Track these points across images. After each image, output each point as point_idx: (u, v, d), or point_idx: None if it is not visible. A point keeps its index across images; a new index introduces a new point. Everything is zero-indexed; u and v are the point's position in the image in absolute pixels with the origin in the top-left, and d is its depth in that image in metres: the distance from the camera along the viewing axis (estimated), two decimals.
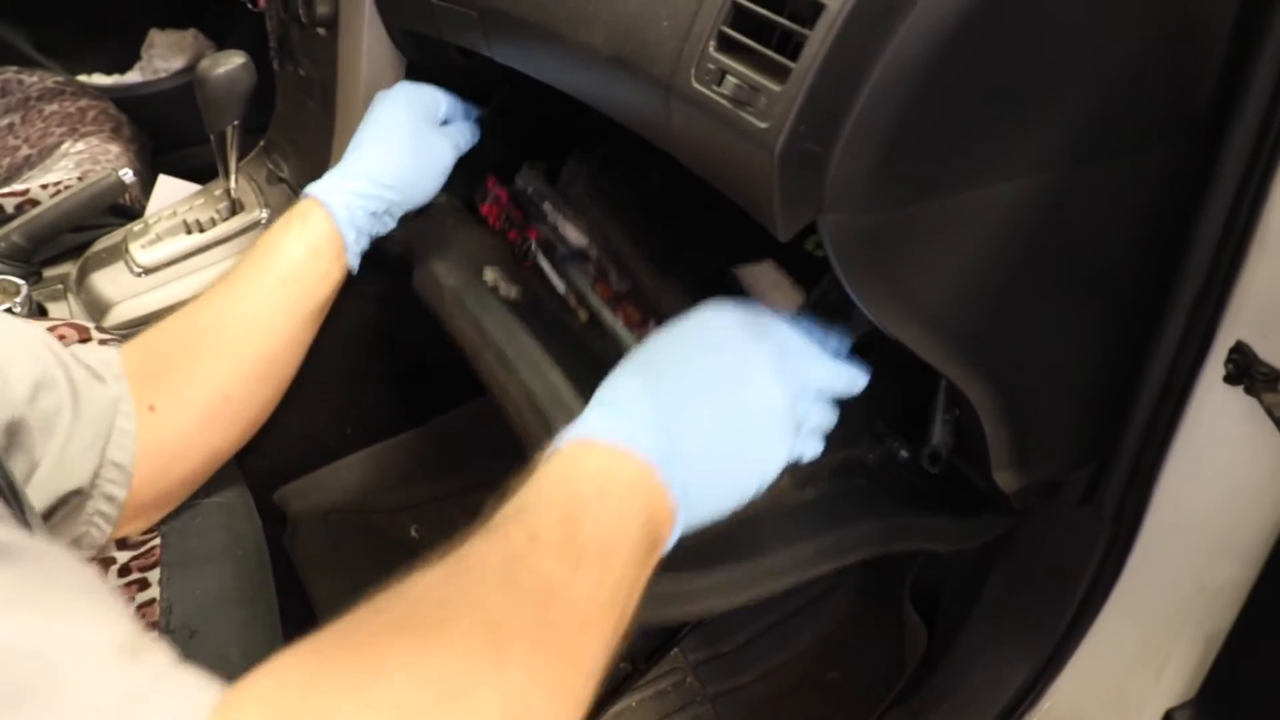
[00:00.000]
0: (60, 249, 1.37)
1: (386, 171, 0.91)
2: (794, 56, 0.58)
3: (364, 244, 0.91)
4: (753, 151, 0.60)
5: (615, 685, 1.19)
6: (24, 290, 1.22)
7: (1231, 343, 0.74)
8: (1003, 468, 0.79)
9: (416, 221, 1.01)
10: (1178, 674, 0.87)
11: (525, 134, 1.11)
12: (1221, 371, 0.75)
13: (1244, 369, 0.73)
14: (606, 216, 0.99)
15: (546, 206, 1.04)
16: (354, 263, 0.90)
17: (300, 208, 0.89)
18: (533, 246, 1.00)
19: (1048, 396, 0.79)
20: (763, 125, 0.59)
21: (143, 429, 0.78)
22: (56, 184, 1.46)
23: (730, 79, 0.62)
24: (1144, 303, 0.77)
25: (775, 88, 0.59)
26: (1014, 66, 0.60)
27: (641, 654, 1.22)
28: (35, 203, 1.42)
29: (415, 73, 1.19)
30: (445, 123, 1.00)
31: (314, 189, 0.89)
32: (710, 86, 0.64)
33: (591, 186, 1.03)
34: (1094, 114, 0.65)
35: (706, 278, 0.87)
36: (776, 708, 1.18)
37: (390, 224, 0.92)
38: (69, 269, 1.34)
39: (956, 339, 0.70)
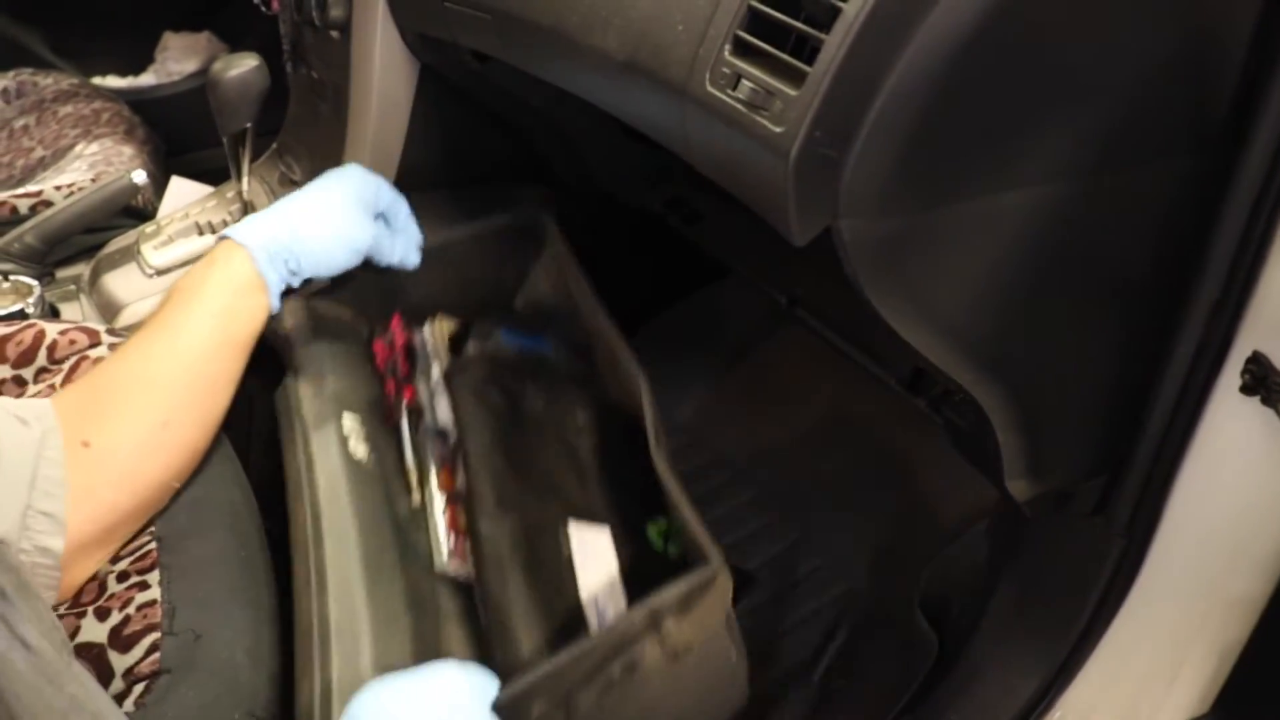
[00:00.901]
0: (73, 250, 1.37)
1: (305, 232, 0.93)
2: (810, 61, 0.58)
3: (281, 287, 0.92)
4: (768, 156, 0.59)
5: None
6: (37, 291, 1.22)
7: (1248, 352, 0.73)
8: (1015, 476, 0.79)
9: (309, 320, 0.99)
10: (1191, 686, 0.87)
11: (459, 283, 1.09)
12: (1238, 381, 0.74)
13: (1260, 379, 0.73)
14: (476, 415, 0.95)
15: (434, 373, 1.01)
16: (275, 304, 0.91)
17: (221, 249, 0.90)
18: (403, 407, 0.98)
19: (1061, 405, 0.78)
20: (778, 130, 0.59)
21: (76, 467, 0.78)
22: (70, 185, 1.46)
23: (745, 83, 0.62)
24: (1159, 312, 0.76)
25: (791, 92, 0.58)
26: (1031, 74, 0.60)
27: None
28: (49, 204, 1.42)
29: (429, 75, 1.20)
30: (380, 216, 1.01)
31: (234, 232, 0.90)
32: (725, 91, 0.63)
33: (479, 376, 1.00)
34: (1111, 123, 0.65)
35: (538, 521, 0.86)
36: (785, 716, 1.18)
37: (296, 282, 0.94)
38: (82, 270, 1.35)
39: (970, 345, 0.69)
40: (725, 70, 0.64)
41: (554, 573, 0.82)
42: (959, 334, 0.68)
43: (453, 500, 0.90)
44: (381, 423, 0.97)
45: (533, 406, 0.98)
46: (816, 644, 1.24)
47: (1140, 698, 0.88)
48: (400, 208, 1.02)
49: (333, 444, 0.89)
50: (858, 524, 1.34)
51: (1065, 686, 0.89)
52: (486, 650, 0.80)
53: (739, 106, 0.62)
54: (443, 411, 0.97)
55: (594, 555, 0.83)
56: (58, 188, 1.46)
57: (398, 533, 0.86)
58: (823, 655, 1.23)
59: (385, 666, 0.72)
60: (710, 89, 0.65)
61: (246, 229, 0.91)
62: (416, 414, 0.99)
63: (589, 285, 1.00)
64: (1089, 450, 0.82)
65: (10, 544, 0.72)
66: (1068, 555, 0.89)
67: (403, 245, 1.01)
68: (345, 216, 0.96)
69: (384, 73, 1.19)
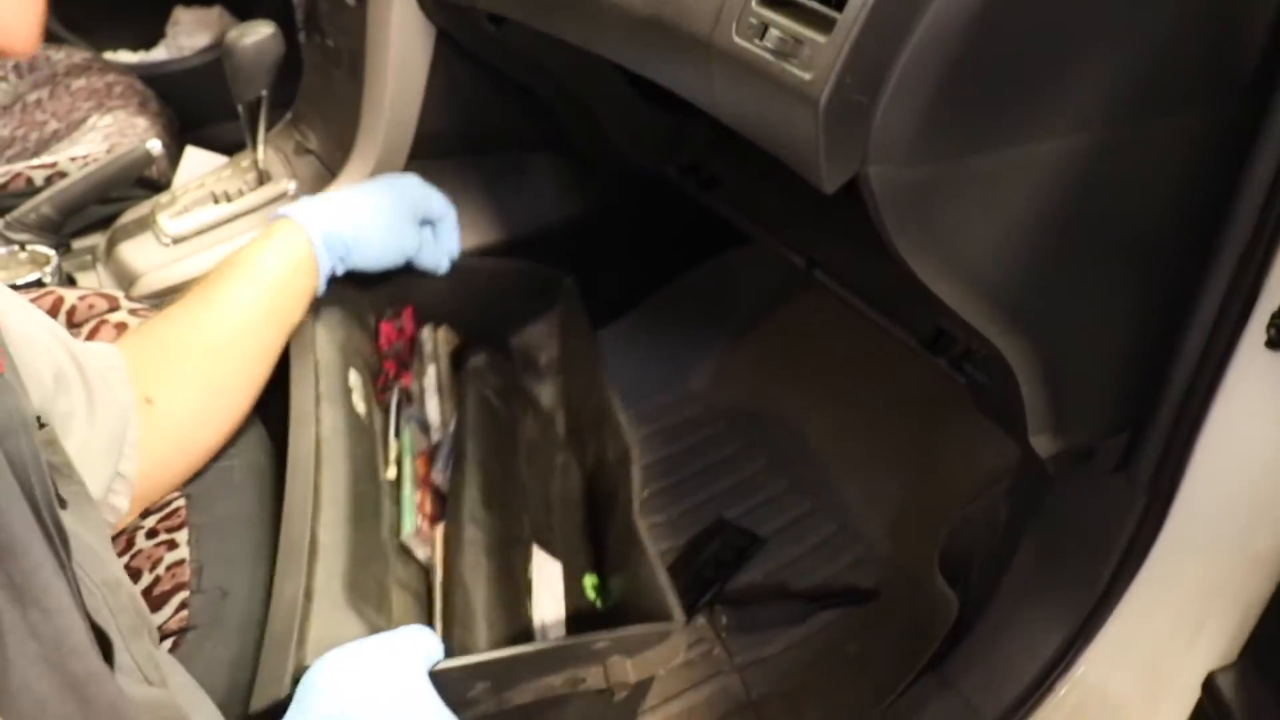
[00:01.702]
0: (89, 220, 1.37)
1: (363, 228, 0.95)
2: (839, 7, 0.58)
3: (329, 274, 0.93)
4: (797, 104, 0.59)
5: None
6: (54, 260, 1.22)
7: (1274, 307, 0.73)
8: (1039, 431, 0.79)
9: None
10: (1213, 643, 0.87)
11: (471, 299, 1.11)
12: (1263, 336, 0.74)
13: None
14: (478, 418, 0.97)
15: (429, 373, 1.03)
16: (323, 286, 0.92)
17: (282, 227, 0.90)
18: (395, 389, 1.00)
19: (1085, 359, 0.78)
20: (807, 77, 0.59)
21: (141, 424, 0.78)
22: (84, 156, 1.46)
23: (773, 32, 0.62)
24: (1185, 266, 0.76)
25: (820, 39, 0.58)
26: (1062, 20, 0.60)
27: None
28: (64, 174, 1.42)
29: (445, 41, 1.19)
30: (426, 222, 1.03)
31: (295, 213, 0.91)
32: (752, 41, 0.63)
33: (487, 385, 1.02)
34: (1139, 72, 0.65)
35: (513, 533, 0.88)
36: (804, 678, 1.18)
37: (340, 270, 0.94)
38: (98, 240, 1.35)
39: (995, 296, 0.69)
40: (752, 20, 0.64)
41: (517, 583, 0.85)
42: (985, 284, 0.68)
43: (424, 487, 0.92)
44: (374, 394, 0.98)
45: (526, 433, 1.01)
46: (835, 607, 1.25)
47: (1162, 655, 0.88)
48: (448, 220, 1.04)
49: (339, 390, 0.90)
50: (876, 487, 1.35)
51: (1087, 644, 0.89)
52: (432, 624, 0.82)
53: (767, 56, 0.62)
54: (431, 409, 1.00)
55: (548, 584, 0.87)
56: (73, 159, 1.46)
57: (378, 490, 0.88)
58: (842, 618, 1.24)
59: (357, 597, 0.74)
60: (737, 39, 0.64)
61: (307, 212, 0.92)
62: (406, 398, 1.01)
63: (596, 344, 1.05)
64: (1112, 406, 0.82)
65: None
66: (1090, 513, 0.89)
67: (439, 254, 1.04)
68: (399, 221, 0.98)
69: (400, 38, 1.19)
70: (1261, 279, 0.73)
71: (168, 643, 0.73)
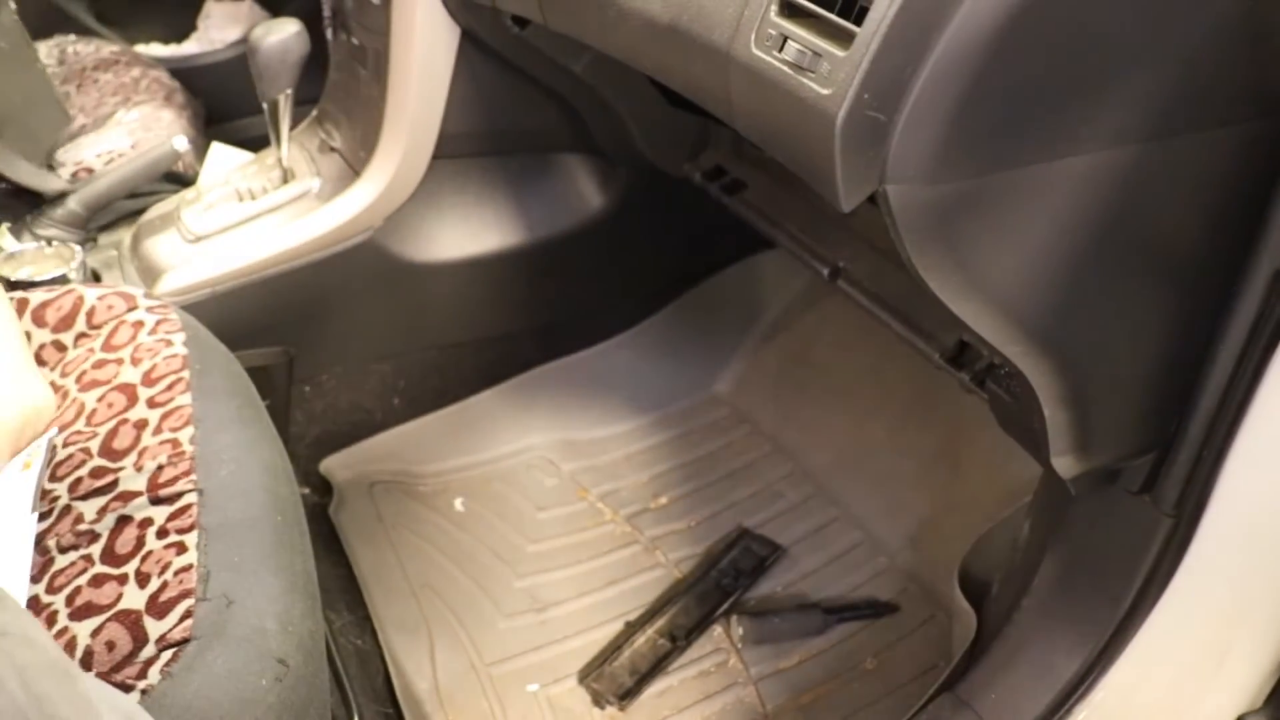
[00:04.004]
0: (115, 215, 1.38)
1: None
2: (859, 21, 0.56)
3: None
4: (814, 119, 0.58)
5: (656, 662, 1.18)
6: (79, 256, 1.23)
7: None
8: (1061, 453, 0.77)
9: None
10: (1237, 674, 0.85)
11: None
12: None
13: None
14: None
15: None
16: None
17: None
18: None
19: (1111, 380, 0.76)
20: (825, 92, 0.57)
21: None
22: (109, 152, 1.47)
23: (791, 44, 0.60)
24: (1215, 284, 0.74)
25: (839, 53, 0.57)
26: (1087, 36, 0.58)
27: (682, 629, 1.21)
28: (90, 170, 1.43)
29: (470, 41, 1.19)
30: None
31: None
32: (771, 53, 0.62)
33: None
34: (1171, 88, 0.63)
35: None
36: (821, 691, 1.17)
37: None
38: (123, 235, 1.35)
39: (1018, 317, 0.67)
40: (771, 32, 0.62)
41: None
42: (1008, 305, 0.66)
43: None
44: None
45: None
46: (854, 620, 1.23)
47: (1183, 683, 0.87)
48: None
49: None
50: (898, 500, 1.33)
51: (1107, 669, 0.87)
52: None
53: (785, 68, 0.61)
54: None
55: None
56: (98, 155, 1.46)
57: None
58: (861, 631, 1.22)
59: None
60: (755, 51, 0.63)
61: None
62: None
63: None
64: (1138, 427, 0.80)
65: None
66: (1113, 534, 0.87)
67: None
68: None
69: (424, 37, 1.18)
70: None
71: (168, 653, 0.72)
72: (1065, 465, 0.78)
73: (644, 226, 1.44)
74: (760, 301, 1.58)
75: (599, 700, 1.16)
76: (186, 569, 0.79)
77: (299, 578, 0.84)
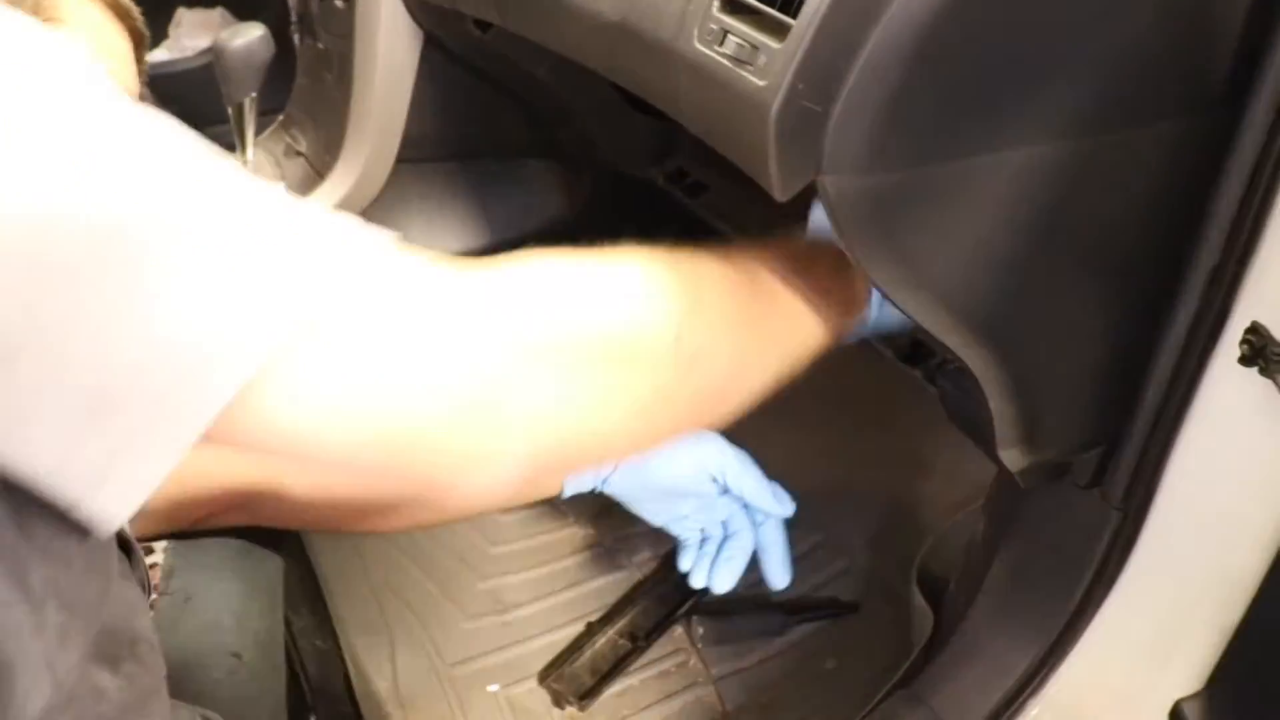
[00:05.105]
0: None
1: None
2: (795, 14, 0.57)
3: None
4: (749, 110, 0.59)
5: (616, 663, 1.18)
6: None
7: (1247, 323, 0.71)
8: (1008, 445, 0.78)
9: None
10: (1187, 664, 0.85)
11: None
12: (1236, 353, 0.73)
13: (1259, 350, 0.71)
14: None
15: None
16: None
17: None
18: None
19: (1055, 373, 0.77)
20: (761, 83, 0.58)
21: None
22: None
23: (731, 39, 0.61)
24: (1157, 280, 0.75)
25: (775, 45, 0.58)
26: (1022, 29, 0.59)
27: (642, 630, 1.21)
28: None
29: (433, 45, 1.19)
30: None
31: None
32: (712, 47, 0.63)
33: None
34: (1107, 82, 0.64)
35: None
36: (780, 691, 1.17)
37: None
38: None
39: (960, 308, 0.68)
40: (713, 26, 0.63)
41: None
42: (948, 296, 0.67)
43: None
44: None
45: None
46: (815, 620, 1.23)
47: (1133, 676, 0.87)
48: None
49: None
50: (858, 501, 1.33)
51: (1058, 664, 0.88)
52: None
53: (725, 62, 0.62)
54: None
55: None
56: None
57: None
58: (822, 631, 1.23)
59: None
60: (698, 45, 0.64)
61: None
62: None
63: None
64: (1085, 421, 0.81)
65: None
66: (1063, 530, 0.88)
67: None
68: None
69: (388, 41, 1.19)
70: (1233, 294, 0.72)
71: None
72: (1013, 458, 0.79)
73: (607, 231, 1.43)
74: None
75: (559, 700, 1.16)
76: (152, 567, 0.79)
77: (260, 583, 0.84)
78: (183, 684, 0.70)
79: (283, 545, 1.00)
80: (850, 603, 1.25)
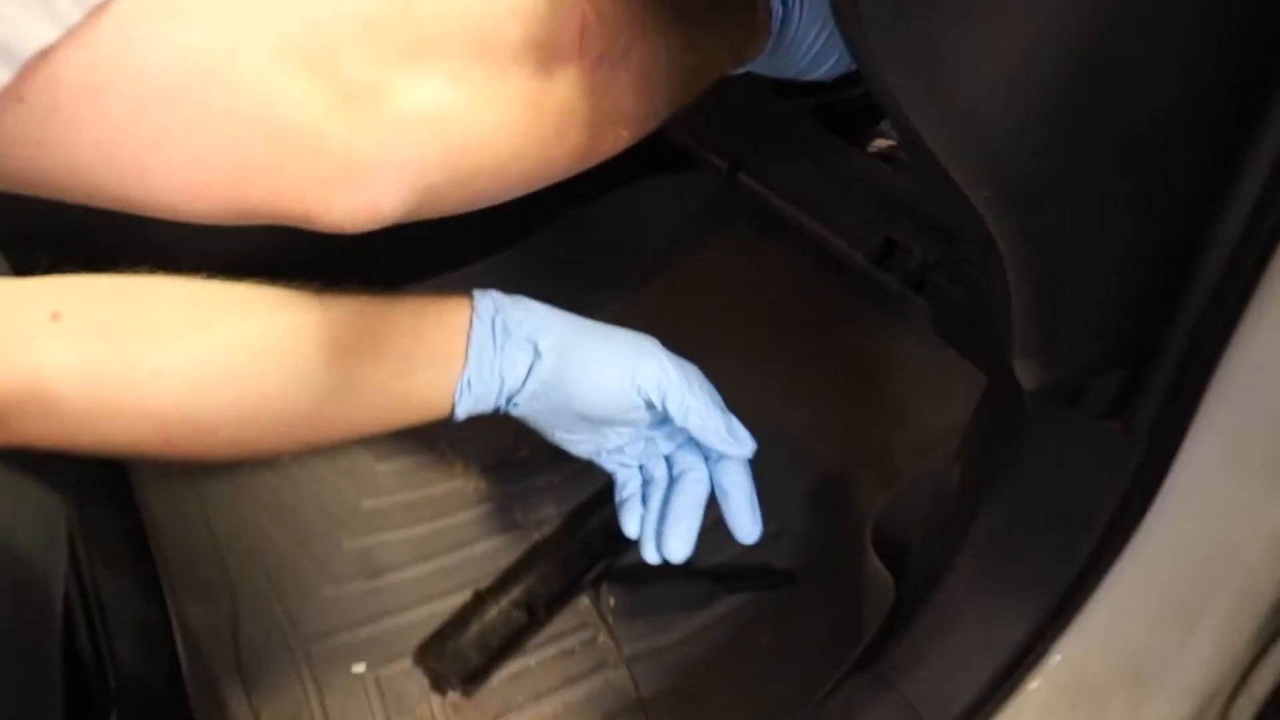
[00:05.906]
0: None
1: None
2: None
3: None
4: None
5: (510, 639, 1.00)
6: None
7: None
8: (1027, 353, 0.62)
9: None
10: (1213, 636, 0.71)
11: None
12: None
13: None
14: None
15: None
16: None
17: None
18: None
19: (1088, 260, 0.61)
20: None
21: None
22: None
23: None
24: (1218, 166, 0.59)
25: None
26: None
27: (541, 600, 1.03)
28: None
29: None
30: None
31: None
32: None
33: None
34: None
35: None
36: (706, 674, 1.01)
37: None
38: None
39: (992, 148, 0.52)
40: None
41: None
42: (981, 126, 0.50)
43: None
44: None
45: None
46: (745, 590, 1.08)
47: (1149, 649, 0.73)
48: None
49: None
50: (797, 452, 1.18)
51: (1060, 634, 0.73)
52: None
53: None
54: None
55: None
56: None
57: None
58: (753, 604, 1.07)
59: None
60: None
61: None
62: None
63: None
64: (1112, 328, 0.66)
65: None
66: (1070, 472, 0.73)
67: None
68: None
69: None
70: None
71: None
72: (1029, 371, 0.63)
73: None
74: (644, 234, 1.41)
75: (439, 683, 0.98)
76: None
77: (29, 531, 0.63)
78: None
79: (86, 485, 0.80)
80: (786, 571, 1.09)
